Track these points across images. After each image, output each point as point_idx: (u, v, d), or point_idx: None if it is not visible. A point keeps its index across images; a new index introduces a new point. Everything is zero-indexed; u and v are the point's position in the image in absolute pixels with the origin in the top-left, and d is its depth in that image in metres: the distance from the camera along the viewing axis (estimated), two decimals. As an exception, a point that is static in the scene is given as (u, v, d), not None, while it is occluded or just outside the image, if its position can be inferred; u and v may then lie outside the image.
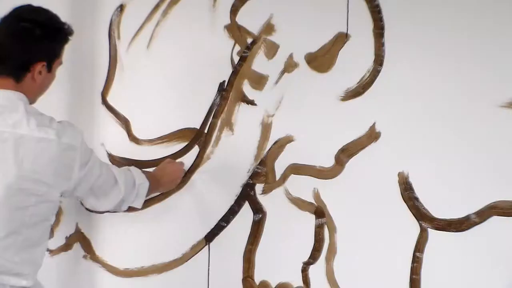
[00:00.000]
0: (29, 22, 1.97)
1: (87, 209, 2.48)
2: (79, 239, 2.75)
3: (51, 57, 2.05)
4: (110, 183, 2.20)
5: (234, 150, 2.54)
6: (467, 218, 2.21)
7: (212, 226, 2.57)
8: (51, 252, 2.72)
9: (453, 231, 2.22)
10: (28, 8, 2.05)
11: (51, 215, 2.08)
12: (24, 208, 1.93)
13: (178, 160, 2.57)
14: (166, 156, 2.61)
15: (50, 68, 2.05)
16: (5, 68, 1.98)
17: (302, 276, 2.43)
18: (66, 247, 2.74)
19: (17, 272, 1.96)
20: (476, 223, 2.20)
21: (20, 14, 2.00)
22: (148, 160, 2.63)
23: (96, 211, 2.31)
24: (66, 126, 2.00)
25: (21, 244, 1.96)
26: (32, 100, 2.06)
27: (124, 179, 2.24)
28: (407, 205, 2.27)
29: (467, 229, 2.21)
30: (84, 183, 2.08)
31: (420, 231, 2.25)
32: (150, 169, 2.53)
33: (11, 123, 1.90)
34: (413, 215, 2.26)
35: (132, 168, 2.37)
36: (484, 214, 2.19)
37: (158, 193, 2.55)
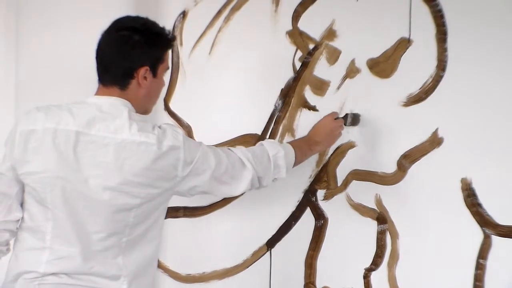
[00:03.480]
0: (127, 29, 2.05)
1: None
2: (142, 244, 2.86)
3: (154, 61, 2.10)
4: (236, 166, 2.20)
5: (296, 156, 2.60)
6: (532, 225, 2.23)
7: (274, 232, 2.66)
8: (114, 257, 2.82)
9: (517, 238, 2.25)
10: (126, 18, 2.13)
11: (155, 213, 2.12)
12: (128, 210, 2.01)
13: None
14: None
15: (155, 73, 2.12)
16: (110, 77, 2.08)
17: (364, 283, 2.49)
18: (129, 252, 2.85)
19: (116, 274, 2.04)
20: (541, 230, 2.22)
21: (117, 24, 2.09)
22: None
23: (233, 195, 2.32)
24: (166, 129, 2.05)
25: (125, 244, 2.05)
26: (142, 109, 2.14)
27: (252, 158, 2.22)
28: (470, 211, 2.28)
29: (531, 236, 2.23)
30: (196, 177, 2.10)
31: (484, 238, 2.26)
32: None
33: (113, 129, 1.98)
34: (476, 221, 2.27)
35: (266, 141, 2.36)
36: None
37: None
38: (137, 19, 2.14)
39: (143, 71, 2.07)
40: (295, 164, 2.36)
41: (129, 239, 2.06)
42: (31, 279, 2.01)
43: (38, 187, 2.00)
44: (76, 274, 2.01)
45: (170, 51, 2.21)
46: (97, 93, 2.11)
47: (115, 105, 2.04)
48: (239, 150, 2.24)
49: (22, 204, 2.09)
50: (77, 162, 1.98)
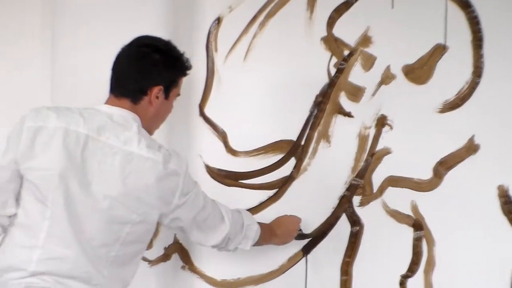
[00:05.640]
0: (148, 47, 2.13)
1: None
2: (177, 250, 2.89)
3: (168, 83, 2.18)
4: (216, 218, 2.28)
5: (331, 162, 2.62)
6: None
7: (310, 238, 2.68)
8: (150, 262, 2.85)
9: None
10: (148, 36, 2.21)
11: (146, 238, 2.19)
12: (123, 223, 2.05)
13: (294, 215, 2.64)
14: (263, 168, 2.74)
15: (167, 95, 2.19)
16: (124, 89, 2.13)
17: (400, 289, 2.50)
18: (165, 257, 2.88)
19: (100, 283, 2.06)
20: None
21: (139, 40, 2.17)
22: (245, 172, 2.77)
23: (203, 245, 2.38)
24: (172, 153, 2.11)
25: (113, 259, 2.08)
26: (148, 128, 2.18)
27: (231, 217, 2.31)
28: (507, 218, 2.30)
29: None
30: (184, 211, 2.17)
31: (521, 245, 2.27)
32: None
33: (123, 140, 2.04)
34: (513, 228, 2.28)
35: (243, 210, 2.47)
36: None
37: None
38: (159, 39, 2.22)
39: (157, 90, 2.15)
40: (256, 244, 2.45)
41: (117, 255, 2.09)
42: (18, 279, 1.99)
43: (40, 184, 2.01)
44: (64, 277, 2.00)
45: (183, 79, 2.29)
46: (108, 103, 2.16)
47: (125, 117, 2.11)
48: (222, 205, 2.34)
49: (17, 200, 2.09)
50: (83, 165, 2.02)
